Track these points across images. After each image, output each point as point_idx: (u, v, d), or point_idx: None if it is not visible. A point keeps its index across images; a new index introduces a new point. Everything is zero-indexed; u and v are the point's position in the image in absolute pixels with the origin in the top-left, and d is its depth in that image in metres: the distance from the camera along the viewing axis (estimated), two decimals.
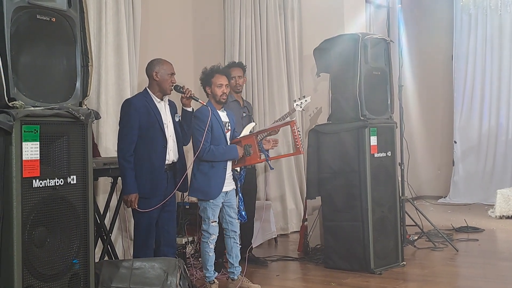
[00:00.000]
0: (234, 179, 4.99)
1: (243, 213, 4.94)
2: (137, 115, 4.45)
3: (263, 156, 4.91)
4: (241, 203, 4.94)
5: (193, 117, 4.74)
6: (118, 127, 4.56)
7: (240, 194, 4.94)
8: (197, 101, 4.74)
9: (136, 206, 4.41)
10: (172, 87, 4.62)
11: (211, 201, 4.81)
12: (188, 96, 4.62)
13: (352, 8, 6.72)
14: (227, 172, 4.89)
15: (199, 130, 4.76)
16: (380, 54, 5.79)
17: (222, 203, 4.90)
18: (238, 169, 5.01)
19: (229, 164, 4.92)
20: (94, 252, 3.45)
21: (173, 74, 4.62)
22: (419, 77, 10.91)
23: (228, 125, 4.98)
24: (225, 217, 4.97)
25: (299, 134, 4.90)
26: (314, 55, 6.12)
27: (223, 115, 4.98)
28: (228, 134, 4.97)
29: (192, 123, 4.75)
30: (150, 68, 4.62)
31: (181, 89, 4.64)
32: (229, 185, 4.93)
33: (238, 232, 5.02)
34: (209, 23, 7.56)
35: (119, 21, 5.85)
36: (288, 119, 5.89)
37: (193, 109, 4.78)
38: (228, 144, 4.95)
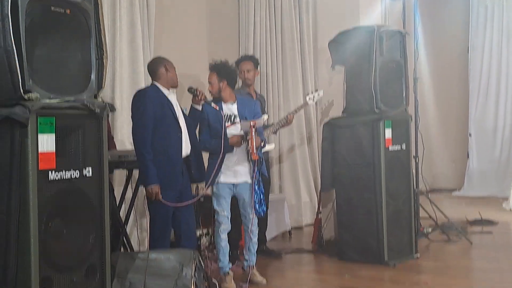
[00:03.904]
0: (253, 172, 4.94)
1: (256, 205, 4.89)
2: (152, 106, 4.47)
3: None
4: (256, 197, 4.89)
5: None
6: (133, 120, 4.56)
7: (256, 188, 4.89)
8: (210, 105, 4.88)
9: (161, 197, 4.43)
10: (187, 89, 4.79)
11: (214, 190, 4.91)
12: (201, 99, 4.79)
13: (367, 0, 6.69)
14: (231, 165, 4.88)
15: (200, 123, 4.95)
16: (395, 47, 5.75)
17: (235, 195, 4.95)
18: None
19: (236, 157, 4.89)
20: (109, 243, 3.47)
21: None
22: (435, 70, 10.83)
23: (234, 118, 4.97)
24: (240, 210, 5.02)
25: (254, 138, 4.73)
26: (329, 48, 6.10)
27: (230, 108, 4.97)
28: (234, 127, 4.92)
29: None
30: (157, 63, 4.68)
31: (194, 92, 4.81)
32: (237, 177, 4.92)
33: (250, 226, 4.99)
34: (224, 15, 7.55)
35: (133, 13, 5.86)
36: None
37: (202, 107, 4.87)
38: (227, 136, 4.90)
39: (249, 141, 4.74)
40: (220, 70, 4.98)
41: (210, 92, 5.01)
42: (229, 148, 4.86)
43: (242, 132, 4.86)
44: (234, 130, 4.93)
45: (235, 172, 4.92)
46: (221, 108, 4.93)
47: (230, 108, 4.99)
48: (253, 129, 4.71)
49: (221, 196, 4.92)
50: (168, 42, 6.53)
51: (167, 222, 4.55)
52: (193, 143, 4.73)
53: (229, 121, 4.95)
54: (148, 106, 4.46)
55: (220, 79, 4.95)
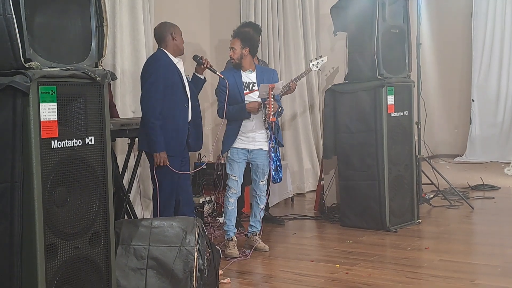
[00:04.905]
0: (270, 137, 4.95)
1: (273, 173, 4.94)
2: (164, 72, 4.47)
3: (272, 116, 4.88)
4: (273, 163, 4.94)
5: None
6: (144, 85, 4.50)
7: (272, 155, 4.94)
8: (215, 73, 4.91)
9: (168, 163, 4.43)
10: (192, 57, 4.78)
11: (229, 155, 4.99)
12: (206, 67, 4.78)
13: None
14: (247, 131, 4.94)
15: (219, 91, 4.99)
16: (398, 12, 5.71)
17: (249, 161, 5.01)
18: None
19: (253, 123, 4.94)
20: (113, 211, 3.49)
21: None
22: (438, 35, 10.74)
23: (252, 86, 5.00)
24: (252, 175, 5.09)
25: (272, 102, 4.78)
26: (331, 14, 6.05)
27: (248, 76, 5.01)
28: (253, 94, 4.97)
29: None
30: (164, 30, 4.62)
31: (199, 60, 4.79)
32: (253, 144, 4.97)
33: (259, 193, 5.06)
34: None
35: None
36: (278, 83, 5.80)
37: (205, 77, 4.87)
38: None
39: (267, 105, 4.77)
40: (244, 37, 5.02)
41: (230, 57, 5.02)
42: (246, 114, 4.91)
43: (260, 100, 4.89)
44: (252, 97, 4.96)
45: (252, 139, 4.97)
46: (239, 77, 4.96)
47: (249, 76, 5.02)
48: (272, 92, 4.73)
49: (235, 161, 4.98)
50: (168, 9, 6.47)
51: (174, 189, 4.57)
52: (194, 112, 4.72)
53: (247, 89, 4.99)
54: (160, 72, 4.45)
55: (244, 46, 4.98)
